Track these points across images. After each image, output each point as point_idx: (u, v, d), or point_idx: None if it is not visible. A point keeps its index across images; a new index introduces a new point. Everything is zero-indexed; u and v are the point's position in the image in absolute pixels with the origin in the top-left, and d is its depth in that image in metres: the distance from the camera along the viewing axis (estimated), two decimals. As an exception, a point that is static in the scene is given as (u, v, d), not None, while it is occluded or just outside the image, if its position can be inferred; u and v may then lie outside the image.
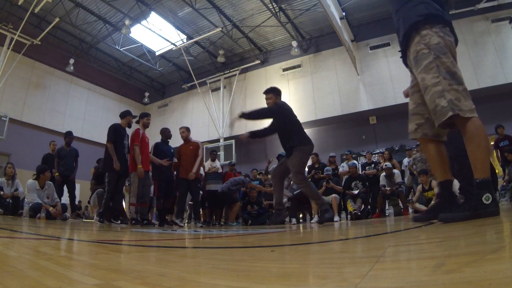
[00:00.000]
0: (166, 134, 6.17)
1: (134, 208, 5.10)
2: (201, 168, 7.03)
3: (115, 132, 5.13)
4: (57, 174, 6.30)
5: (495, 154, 6.97)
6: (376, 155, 8.16)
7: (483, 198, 1.67)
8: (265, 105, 4.30)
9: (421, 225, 1.90)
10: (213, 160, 7.50)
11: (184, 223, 6.09)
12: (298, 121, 4.15)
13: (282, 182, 4.31)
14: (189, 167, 5.63)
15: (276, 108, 4.10)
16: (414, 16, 1.96)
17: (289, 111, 4.14)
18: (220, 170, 7.51)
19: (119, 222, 5.06)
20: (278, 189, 4.19)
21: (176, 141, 6.59)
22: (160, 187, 5.83)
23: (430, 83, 1.86)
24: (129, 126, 5.44)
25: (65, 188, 6.55)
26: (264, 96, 4.31)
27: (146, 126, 5.56)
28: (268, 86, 4.52)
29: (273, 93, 4.27)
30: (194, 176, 5.60)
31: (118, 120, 5.48)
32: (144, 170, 5.15)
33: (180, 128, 6.12)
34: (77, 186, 7.32)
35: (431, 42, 1.88)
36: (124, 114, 5.44)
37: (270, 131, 4.26)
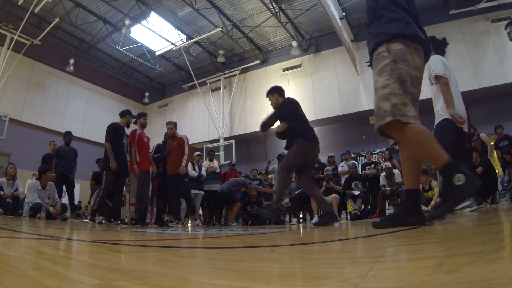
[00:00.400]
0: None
1: (133, 208, 5.10)
2: (203, 169, 7.04)
3: (114, 132, 5.10)
4: (53, 174, 6.26)
5: (495, 154, 6.96)
6: (376, 155, 8.15)
7: (455, 180, 1.58)
8: (265, 105, 4.28)
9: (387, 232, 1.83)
10: (211, 160, 7.50)
11: (181, 223, 6.08)
12: (303, 116, 3.94)
13: (311, 182, 4.05)
14: (174, 163, 5.52)
15: (278, 109, 3.90)
16: (383, 35, 1.86)
17: (294, 106, 3.92)
18: (218, 170, 7.52)
19: (119, 222, 5.06)
20: (310, 188, 3.88)
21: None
22: (160, 187, 5.84)
23: (380, 85, 1.81)
24: (128, 126, 5.41)
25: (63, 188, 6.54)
26: (263, 96, 4.27)
27: (143, 126, 5.54)
28: (268, 86, 4.44)
29: (274, 93, 4.13)
30: (185, 170, 5.48)
31: (118, 120, 5.48)
32: (142, 170, 5.15)
33: (168, 124, 5.88)
34: (77, 186, 7.32)
35: (392, 47, 1.81)
36: (124, 114, 5.42)
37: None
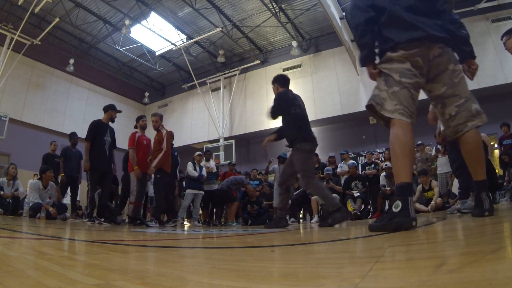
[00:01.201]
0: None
1: (132, 206, 5.14)
2: (203, 169, 7.03)
3: (94, 129, 4.99)
4: (62, 174, 6.30)
5: (496, 154, 6.97)
6: (373, 154, 8.12)
7: (393, 206, 1.62)
8: (265, 105, 4.28)
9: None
10: (207, 160, 7.50)
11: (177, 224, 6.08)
12: (299, 114, 3.74)
13: (289, 186, 3.96)
14: (146, 159, 5.33)
15: (271, 106, 3.79)
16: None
17: (288, 102, 3.75)
18: (215, 170, 7.51)
19: (102, 220, 4.89)
20: (284, 193, 3.82)
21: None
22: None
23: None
24: (112, 121, 5.24)
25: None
26: (263, 96, 4.26)
27: (143, 128, 5.50)
28: (268, 87, 4.40)
29: (275, 83, 3.95)
30: (153, 171, 5.15)
31: (118, 120, 5.48)
32: (141, 171, 5.15)
33: (153, 116, 5.42)
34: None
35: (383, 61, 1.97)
36: (106, 109, 5.24)
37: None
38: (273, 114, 3.82)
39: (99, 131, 5.04)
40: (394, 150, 1.71)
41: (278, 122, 4.00)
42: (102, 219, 4.88)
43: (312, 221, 6.39)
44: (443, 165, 6.08)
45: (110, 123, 5.24)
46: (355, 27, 1.95)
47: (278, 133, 3.99)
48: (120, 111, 5.40)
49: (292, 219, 6.66)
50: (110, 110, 5.21)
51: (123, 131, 6.00)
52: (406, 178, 1.64)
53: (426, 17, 1.80)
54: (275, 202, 7.30)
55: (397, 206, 1.58)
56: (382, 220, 1.70)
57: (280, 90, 3.89)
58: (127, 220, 5.72)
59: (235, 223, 7.06)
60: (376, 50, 1.96)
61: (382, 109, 1.79)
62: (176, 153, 6.49)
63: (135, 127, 5.59)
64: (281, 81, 3.93)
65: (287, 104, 3.75)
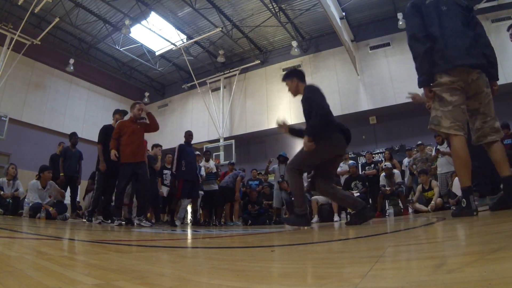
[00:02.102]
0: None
1: (126, 208, 5.27)
2: (202, 169, 7.04)
3: (104, 134, 5.16)
4: (62, 174, 6.31)
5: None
6: (371, 154, 8.12)
7: (461, 202, 2.24)
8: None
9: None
10: (207, 160, 7.51)
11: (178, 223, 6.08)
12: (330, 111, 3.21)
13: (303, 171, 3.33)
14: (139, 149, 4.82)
15: (317, 99, 3.09)
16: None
17: (323, 96, 3.21)
18: (215, 170, 7.52)
19: (109, 221, 4.97)
20: (296, 176, 3.15)
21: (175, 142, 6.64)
22: (185, 187, 5.83)
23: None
24: None
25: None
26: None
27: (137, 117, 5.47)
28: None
29: (294, 77, 3.33)
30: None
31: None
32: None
33: (139, 104, 4.91)
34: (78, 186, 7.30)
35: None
36: (114, 113, 5.47)
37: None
38: (322, 109, 3.02)
39: (109, 134, 5.08)
40: (457, 163, 2.29)
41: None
42: (109, 221, 4.93)
43: (312, 221, 6.39)
44: (443, 165, 6.08)
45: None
46: (415, 56, 2.36)
47: (296, 133, 3.42)
48: (126, 112, 5.49)
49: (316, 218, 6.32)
50: (116, 114, 5.42)
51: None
52: (467, 183, 2.22)
53: (469, 42, 2.26)
54: (275, 202, 7.31)
55: (464, 202, 2.18)
56: (457, 209, 2.33)
57: (301, 85, 3.31)
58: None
59: (233, 223, 7.07)
60: None
61: (440, 127, 2.29)
62: (195, 152, 6.58)
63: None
64: (300, 76, 3.39)
65: (323, 98, 3.18)
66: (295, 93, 3.36)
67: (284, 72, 3.52)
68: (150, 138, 6.05)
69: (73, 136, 6.83)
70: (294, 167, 3.10)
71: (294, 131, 3.45)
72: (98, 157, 5.14)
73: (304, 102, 3.18)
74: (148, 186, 4.88)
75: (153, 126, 5.01)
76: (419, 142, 7.00)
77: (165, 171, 6.73)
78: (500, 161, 2.35)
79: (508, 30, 3.65)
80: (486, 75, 2.40)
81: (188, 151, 6.09)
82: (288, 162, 3.17)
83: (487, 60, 2.38)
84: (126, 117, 5.28)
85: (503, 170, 2.32)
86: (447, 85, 2.26)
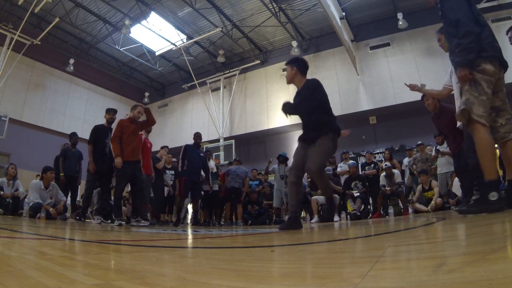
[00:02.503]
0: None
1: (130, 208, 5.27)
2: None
3: (94, 133, 5.27)
4: (62, 174, 6.32)
5: (496, 153, 6.96)
6: (371, 154, 8.10)
7: (490, 196, 2.06)
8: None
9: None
10: (207, 160, 7.50)
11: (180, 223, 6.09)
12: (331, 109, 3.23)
13: (300, 180, 3.26)
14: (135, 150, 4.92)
15: (315, 91, 3.14)
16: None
17: (325, 94, 3.22)
18: (215, 170, 7.52)
19: (109, 221, 4.98)
20: (295, 184, 3.13)
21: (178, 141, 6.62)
22: (186, 186, 5.93)
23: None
24: (111, 123, 5.40)
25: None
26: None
27: (147, 131, 5.70)
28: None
29: (294, 66, 3.28)
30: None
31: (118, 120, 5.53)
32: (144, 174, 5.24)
33: (139, 106, 5.02)
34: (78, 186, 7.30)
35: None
36: (105, 113, 5.51)
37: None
38: (312, 101, 3.10)
39: (100, 134, 5.28)
40: (486, 153, 2.18)
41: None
42: (109, 221, 4.93)
43: (312, 221, 6.39)
44: (443, 165, 6.08)
45: (112, 126, 5.36)
46: (466, 34, 2.27)
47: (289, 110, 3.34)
48: (115, 110, 5.51)
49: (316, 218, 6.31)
50: (106, 113, 5.45)
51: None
52: (495, 176, 2.15)
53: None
54: (275, 202, 7.31)
55: (494, 196, 2.06)
56: (473, 206, 2.17)
57: (298, 77, 3.28)
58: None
59: (242, 223, 7.10)
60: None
61: (472, 112, 2.21)
62: (202, 154, 6.60)
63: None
64: (303, 66, 3.29)
65: (324, 95, 3.19)
66: (289, 81, 3.38)
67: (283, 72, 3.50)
68: (151, 138, 6.03)
69: (73, 136, 6.82)
70: (323, 166, 3.05)
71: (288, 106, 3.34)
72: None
73: (306, 92, 3.16)
74: (144, 188, 4.98)
75: (151, 121, 5.13)
76: (419, 142, 7.00)
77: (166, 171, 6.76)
78: (510, 160, 2.37)
79: (507, 33, 3.65)
80: None
81: (193, 152, 6.13)
82: (308, 166, 2.95)
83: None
84: (119, 116, 5.41)
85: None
86: (489, 75, 2.25)
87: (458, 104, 3.26)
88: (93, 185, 5.19)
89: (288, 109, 3.26)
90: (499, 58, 2.30)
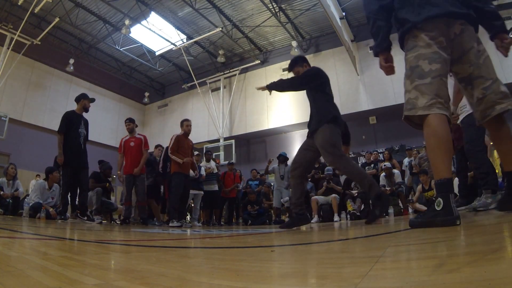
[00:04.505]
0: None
1: (124, 207, 5.40)
2: (202, 168, 7.04)
3: (66, 121, 4.71)
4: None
5: (495, 154, 6.95)
6: (373, 154, 8.08)
7: (435, 204, 1.53)
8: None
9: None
10: (207, 161, 7.50)
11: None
12: (332, 97, 3.23)
13: (304, 177, 3.29)
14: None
15: (308, 74, 3.16)
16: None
17: (327, 80, 3.22)
18: (216, 171, 7.51)
19: (85, 218, 4.81)
20: (299, 182, 3.19)
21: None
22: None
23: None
24: (86, 111, 5.02)
25: None
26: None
27: (129, 131, 5.66)
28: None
29: (304, 63, 3.30)
30: (139, 172, 5.47)
31: (118, 120, 5.52)
32: (129, 174, 5.36)
33: (187, 121, 5.75)
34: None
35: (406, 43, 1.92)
36: (79, 98, 5.01)
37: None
38: (304, 81, 3.12)
39: (73, 122, 4.76)
40: (430, 144, 1.60)
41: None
42: (85, 218, 4.82)
43: (312, 221, 6.39)
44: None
45: (84, 114, 5.02)
46: (368, 16, 1.87)
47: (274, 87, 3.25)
48: (93, 100, 5.12)
49: (316, 218, 6.33)
50: (82, 99, 4.97)
51: (124, 132, 6.03)
52: (446, 174, 1.53)
53: None
54: (275, 202, 7.31)
55: (439, 204, 1.50)
56: (423, 216, 1.63)
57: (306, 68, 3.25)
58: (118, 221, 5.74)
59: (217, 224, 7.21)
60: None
61: (416, 110, 1.65)
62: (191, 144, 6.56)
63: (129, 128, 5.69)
64: (307, 60, 3.37)
65: (325, 80, 3.18)
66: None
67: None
68: (151, 139, 6.04)
69: None
70: (339, 152, 2.96)
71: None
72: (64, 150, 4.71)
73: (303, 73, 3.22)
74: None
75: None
76: (425, 142, 6.98)
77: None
78: (508, 151, 1.78)
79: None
80: (487, 30, 1.86)
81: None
82: (326, 150, 2.94)
83: (482, 10, 1.82)
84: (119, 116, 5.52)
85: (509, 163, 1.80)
86: (424, 47, 1.68)
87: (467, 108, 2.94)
88: (67, 182, 4.62)
89: (274, 85, 3.18)
90: (431, 16, 1.67)
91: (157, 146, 6.93)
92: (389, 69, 1.90)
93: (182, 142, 5.36)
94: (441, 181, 1.54)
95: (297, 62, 3.29)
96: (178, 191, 5.16)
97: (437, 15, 1.66)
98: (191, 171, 5.65)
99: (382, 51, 1.88)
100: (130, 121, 5.70)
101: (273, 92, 3.29)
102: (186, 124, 5.57)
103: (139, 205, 5.53)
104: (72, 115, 4.87)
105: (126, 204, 5.34)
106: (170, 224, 5.01)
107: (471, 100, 1.80)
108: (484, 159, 3.17)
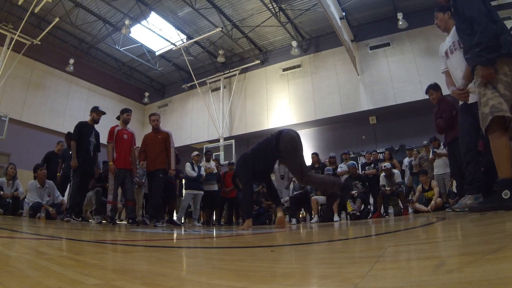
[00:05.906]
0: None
1: (109, 206, 4.98)
2: (202, 168, 7.04)
3: (77, 130, 5.25)
4: (58, 174, 6.31)
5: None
6: (372, 154, 8.06)
7: (502, 194, 2.03)
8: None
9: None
10: (207, 161, 7.49)
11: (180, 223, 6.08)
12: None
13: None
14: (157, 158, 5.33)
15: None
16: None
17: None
18: (215, 171, 7.51)
19: (79, 219, 5.05)
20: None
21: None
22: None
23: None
24: (96, 122, 5.45)
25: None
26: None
27: (126, 122, 5.41)
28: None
29: (439, 90, 4.12)
30: (173, 173, 5.50)
31: (117, 121, 5.54)
32: (120, 168, 5.07)
33: (154, 115, 5.60)
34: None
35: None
36: (91, 111, 5.52)
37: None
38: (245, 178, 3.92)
39: (84, 131, 5.28)
40: (502, 151, 2.10)
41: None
42: (80, 219, 4.99)
43: (312, 221, 6.39)
44: (439, 166, 6.07)
45: (95, 126, 5.44)
46: (488, 31, 2.18)
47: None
48: (104, 113, 5.52)
49: (293, 220, 6.63)
50: (92, 112, 5.46)
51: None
52: (509, 174, 2.07)
53: None
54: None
55: (506, 194, 2.01)
56: (489, 202, 2.13)
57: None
58: (103, 221, 5.59)
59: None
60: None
61: (504, 112, 2.07)
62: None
63: (117, 118, 5.56)
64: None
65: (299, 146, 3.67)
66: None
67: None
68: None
69: (69, 136, 6.82)
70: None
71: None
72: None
73: None
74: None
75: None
76: (425, 142, 6.98)
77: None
78: None
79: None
80: None
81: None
82: (303, 174, 3.51)
83: None
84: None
85: None
86: (504, 75, 2.14)
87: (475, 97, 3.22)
88: (77, 182, 5.05)
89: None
90: None
91: None
92: (490, 77, 2.22)
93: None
94: (506, 180, 2.06)
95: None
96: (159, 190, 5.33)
97: None
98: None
99: (492, 64, 2.20)
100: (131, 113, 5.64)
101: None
102: (127, 114, 5.50)
103: (128, 204, 5.25)
104: (84, 125, 5.37)
105: (111, 203, 5.01)
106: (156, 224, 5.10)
107: None
108: (468, 147, 3.10)
